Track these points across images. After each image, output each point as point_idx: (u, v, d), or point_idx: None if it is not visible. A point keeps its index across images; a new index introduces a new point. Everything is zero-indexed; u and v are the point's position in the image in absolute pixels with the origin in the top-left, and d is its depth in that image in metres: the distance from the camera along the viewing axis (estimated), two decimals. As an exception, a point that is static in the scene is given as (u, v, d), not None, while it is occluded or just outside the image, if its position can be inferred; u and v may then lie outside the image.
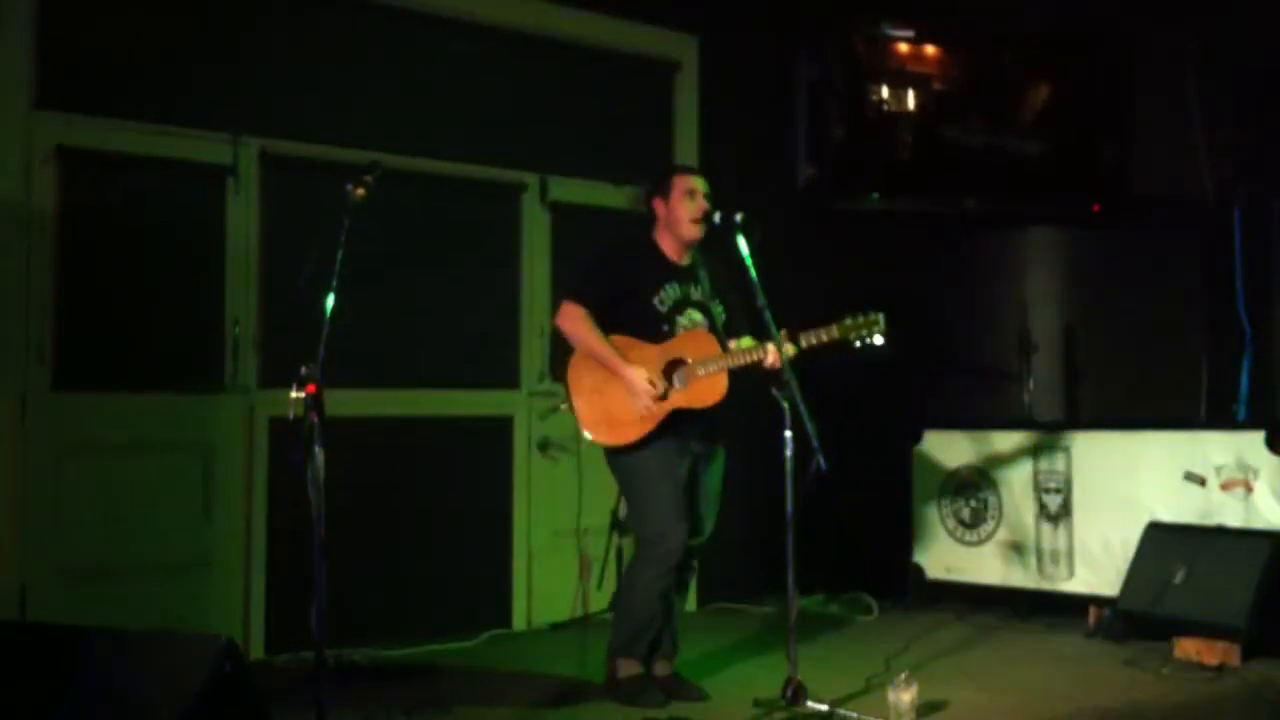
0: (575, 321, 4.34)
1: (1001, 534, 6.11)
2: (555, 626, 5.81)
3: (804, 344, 4.26)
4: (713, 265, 4.52)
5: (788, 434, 4.12)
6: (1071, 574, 5.85)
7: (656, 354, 4.32)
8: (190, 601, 4.95)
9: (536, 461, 5.90)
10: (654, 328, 4.35)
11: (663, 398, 4.26)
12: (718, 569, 5.09)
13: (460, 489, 5.71)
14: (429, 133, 5.66)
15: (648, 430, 4.27)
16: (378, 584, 5.35)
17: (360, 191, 3.77)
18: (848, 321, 4.26)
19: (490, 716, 4.29)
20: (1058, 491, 5.92)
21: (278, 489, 5.14)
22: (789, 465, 4.11)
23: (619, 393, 4.29)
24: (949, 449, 6.35)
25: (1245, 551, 5.08)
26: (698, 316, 4.41)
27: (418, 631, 5.33)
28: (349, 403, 4.88)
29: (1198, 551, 5.20)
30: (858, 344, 4.27)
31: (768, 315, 4.15)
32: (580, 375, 4.35)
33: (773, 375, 4.21)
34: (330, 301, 3.62)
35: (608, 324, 4.33)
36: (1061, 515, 5.90)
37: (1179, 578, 5.16)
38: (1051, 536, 5.93)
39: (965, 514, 6.26)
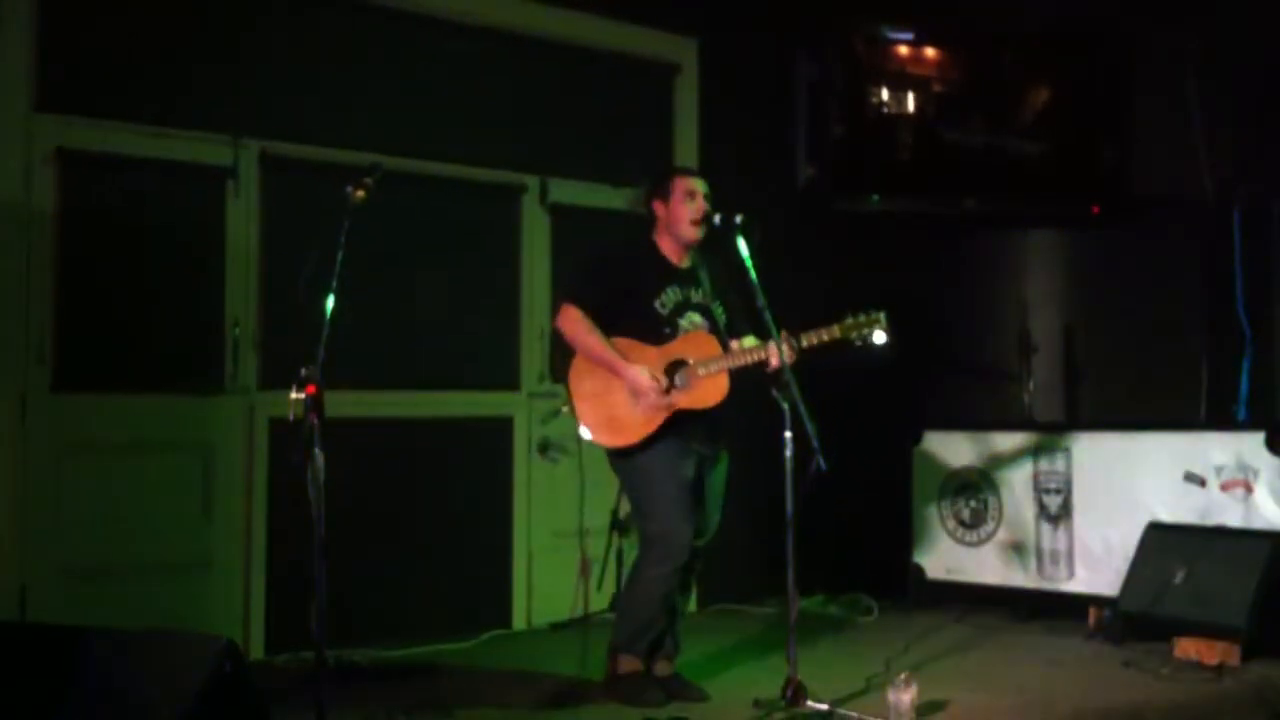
0: (575, 324, 4.34)
1: (1002, 535, 6.11)
2: (555, 627, 5.81)
3: (805, 344, 4.26)
4: (713, 266, 4.52)
5: (788, 435, 4.12)
6: (1071, 574, 5.85)
7: (657, 356, 4.32)
8: (190, 601, 4.95)
9: (536, 462, 5.90)
10: (655, 330, 4.35)
11: (666, 392, 4.26)
12: (719, 570, 5.08)
13: (460, 490, 5.71)
14: (429, 134, 5.66)
15: (650, 431, 4.27)
16: (378, 584, 5.35)
17: (360, 193, 3.77)
18: (849, 320, 4.26)
19: (490, 717, 4.29)
20: (1058, 492, 5.92)
21: (278, 489, 5.14)
22: (789, 466, 4.11)
23: (621, 394, 4.29)
24: (949, 449, 6.35)
25: (1245, 552, 5.08)
26: (698, 318, 4.41)
27: (418, 632, 5.33)
28: (349, 404, 4.89)
29: (1198, 552, 5.20)
30: (859, 342, 4.27)
31: (768, 316, 4.15)
32: (581, 377, 4.35)
33: (773, 376, 4.21)
34: (330, 303, 3.62)
35: (608, 326, 4.33)
36: (1062, 516, 5.90)
37: (1179, 578, 5.16)
38: (1052, 537, 5.93)
39: (965, 514, 6.26)
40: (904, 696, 3.95)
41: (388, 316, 5.47)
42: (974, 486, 6.24)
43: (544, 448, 5.90)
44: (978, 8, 6.82)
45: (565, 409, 4.45)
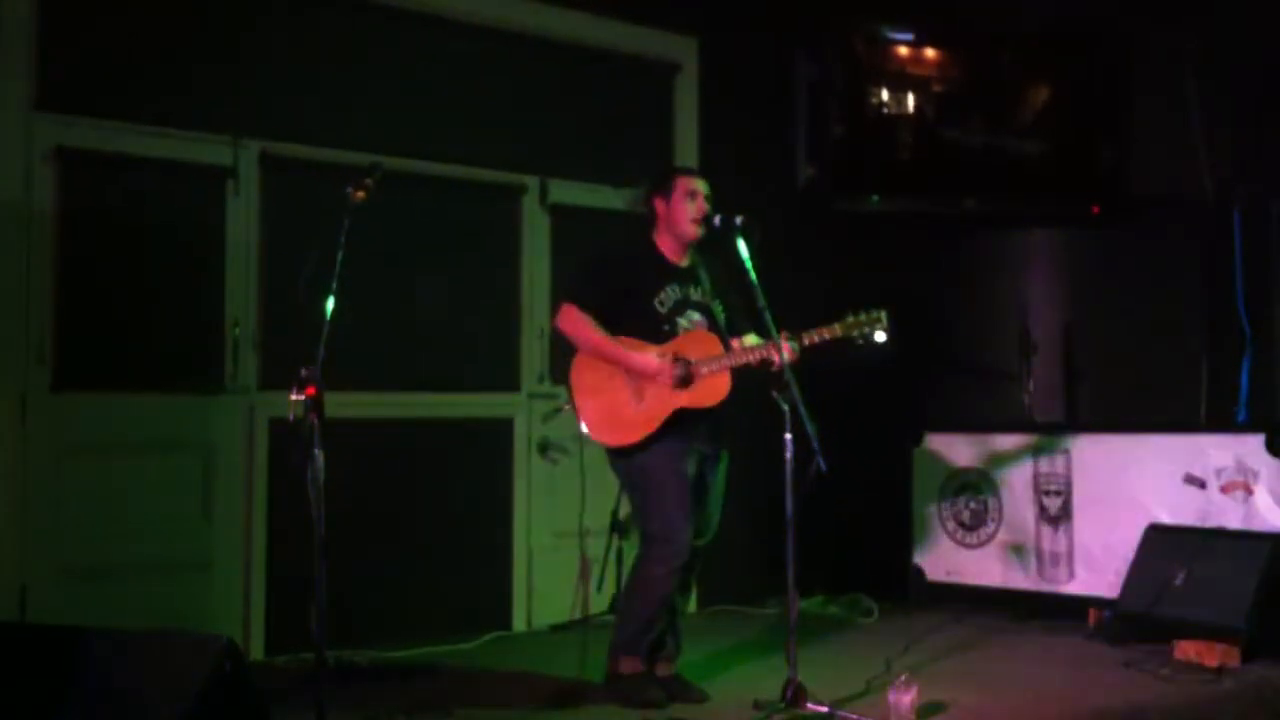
0: (575, 322, 4.34)
1: (1002, 536, 6.11)
2: (555, 628, 5.81)
3: (806, 342, 4.26)
4: (712, 266, 4.52)
5: (788, 436, 4.11)
6: (1071, 576, 5.85)
7: (658, 354, 4.32)
8: (190, 601, 4.95)
9: (537, 463, 5.90)
10: (655, 329, 4.35)
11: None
12: (719, 571, 5.08)
13: (460, 491, 5.71)
14: (429, 134, 5.66)
15: (651, 430, 4.26)
16: (378, 585, 5.35)
17: (360, 193, 3.77)
18: (850, 319, 4.26)
19: (490, 718, 4.28)
20: (1058, 493, 5.92)
21: (278, 489, 5.14)
22: (789, 467, 4.10)
23: (622, 393, 4.29)
24: (949, 450, 6.36)
25: (1245, 553, 5.08)
26: (698, 316, 4.41)
27: (418, 632, 5.32)
28: (349, 405, 4.89)
29: (1197, 553, 5.20)
30: (861, 341, 4.26)
31: (768, 316, 4.14)
32: (583, 376, 4.35)
33: (773, 377, 4.20)
34: (330, 303, 3.62)
35: (609, 326, 4.33)
36: (1062, 517, 5.90)
37: (1179, 580, 5.16)
38: (1052, 538, 5.93)
39: (965, 516, 6.26)
40: (904, 698, 3.95)
41: (388, 317, 5.47)
42: (974, 487, 6.24)
43: (544, 448, 5.90)
44: (977, 8, 6.82)
45: (566, 407, 4.45)
